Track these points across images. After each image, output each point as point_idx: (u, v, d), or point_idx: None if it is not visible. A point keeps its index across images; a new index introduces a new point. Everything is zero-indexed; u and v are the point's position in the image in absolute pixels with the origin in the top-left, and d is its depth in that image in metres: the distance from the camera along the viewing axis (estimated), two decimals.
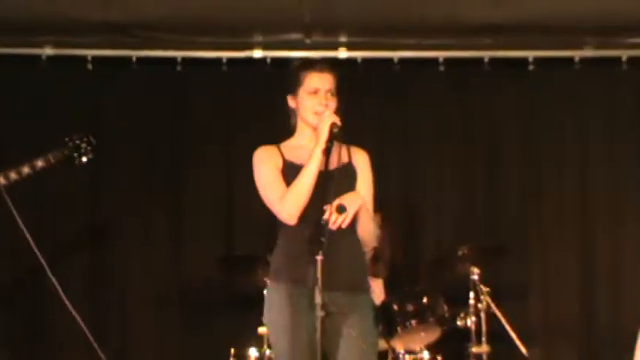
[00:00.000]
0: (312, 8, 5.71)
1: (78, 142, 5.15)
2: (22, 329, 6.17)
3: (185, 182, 6.42)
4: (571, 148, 6.53)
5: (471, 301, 5.45)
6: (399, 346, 5.30)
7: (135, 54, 6.33)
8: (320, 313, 3.40)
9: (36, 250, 4.80)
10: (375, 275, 5.63)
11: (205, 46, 6.33)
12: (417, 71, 6.50)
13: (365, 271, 3.88)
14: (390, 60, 6.43)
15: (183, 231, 6.40)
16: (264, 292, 4.00)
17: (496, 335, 5.46)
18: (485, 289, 5.44)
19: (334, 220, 3.52)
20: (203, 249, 6.28)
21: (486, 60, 6.42)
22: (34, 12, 5.71)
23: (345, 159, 3.75)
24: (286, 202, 3.64)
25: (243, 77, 6.43)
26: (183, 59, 6.38)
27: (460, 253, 5.51)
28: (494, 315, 5.40)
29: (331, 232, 3.48)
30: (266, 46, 6.37)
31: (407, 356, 5.29)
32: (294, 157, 3.74)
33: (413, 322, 5.24)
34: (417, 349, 5.32)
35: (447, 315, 5.32)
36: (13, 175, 4.92)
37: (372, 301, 3.87)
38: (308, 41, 6.24)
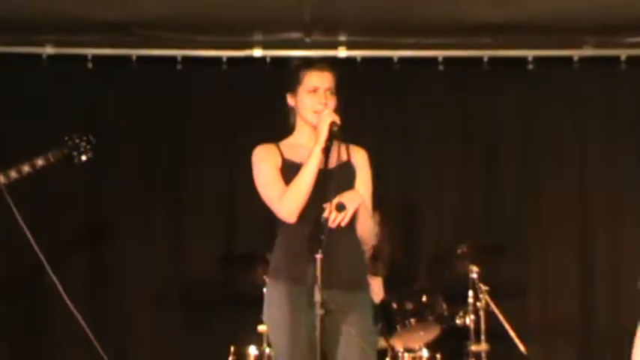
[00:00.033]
0: (312, 7, 5.71)
1: (77, 140, 5.15)
2: (21, 325, 6.18)
3: (185, 181, 6.43)
4: (570, 148, 6.54)
5: (470, 300, 5.46)
6: (399, 345, 5.32)
7: (135, 53, 6.33)
8: (319, 312, 3.40)
9: (36, 249, 4.80)
10: (375, 274, 5.63)
11: (205, 44, 6.33)
12: (416, 70, 6.50)
13: (364, 270, 3.89)
14: (389, 59, 6.43)
15: (184, 229, 6.41)
16: (264, 290, 4.00)
17: (495, 333, 5.48)
18: (484, 287, 5.45)
19: (334, 218, 3.52)
20: (203, 247, 6.28)
21: (485, 59, 6.43)
22: (35, 11, 5.71)
23: (343, 157, 3.76)
24: (285, 201, 3.64)
25: (243, 76, 6.44)
26: (184, 58, 6.38)
27: (459, 251, 5.53)
28: (493, 313, 5.42)
29: (331, 230, 3.48)
30: (266, 45, 6.37)
31: (406, 354, 5.30)
32: (293, 156, 3.74)
33: (412, 320, 5.26)
34: (416, 347, 5.34)
35: (446, 313, 5.34)
36: (13, 174, 4.92)
37: (371, 300, 3.88)
38: (308, 40, 6.24)
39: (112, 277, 6.35)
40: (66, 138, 5.13)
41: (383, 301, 5.40)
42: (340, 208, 3.54)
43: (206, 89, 6.48)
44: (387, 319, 5.24)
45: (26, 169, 4.94)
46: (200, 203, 6.38)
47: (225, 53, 6.41)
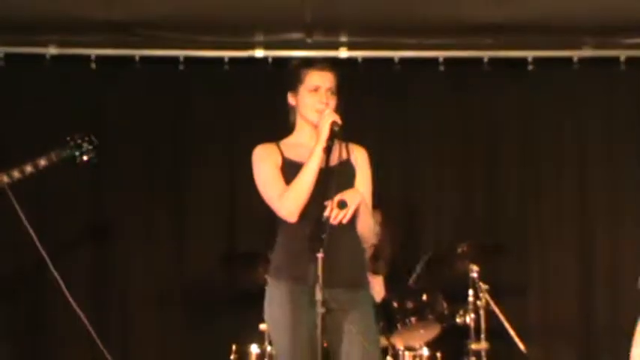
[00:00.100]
0: (314, 8, 5.72)
1: (79, 141, 5.16)
2: (23, 323, 6.19)
3: (187, 181, 6.44)
4: (570, 148, 6.54)
5: (470, 299, 5.47)
6: (399, 343, 5.32)
7: (138, 53, 6.34)
8: (320, 310, 3.42)
9: (40, 248, 4.82)
10: (376, 272, 5.65)
11: (207, 45, 6.34)
12: (417, 71, 6.51)
13: (364, 268, 3.90)
14: (390, 60, 6.44)
15: (186, 230, 6.42)
16: (265, 288, 4.02)
17: (495, 332, 5.49)
18: (484, 286, 5.46)
19: (335, 215, 3.53)
20: (205, 248, 6.29)
21: (486, 60, 6.44)
22: (38, 11, 5.72)
23: (344, 156, 3.76)
24: (286, 200, 3.66)
25: (244, 76, 6.45)
26: (186, 58, 6.39)
27: (459, 250, 5.53)
28: (493, 312, 5.42)
29: (332, 228, 3.48)
30: (267, 46, 6.38)
31: (406, 353, 5.30)
32: (293, 155, 3.76)
33: (412, 319, 5.27)
34: (417, 345, 5.34)
35: (446, 312, 5.35)
36: (16, 174, 4.93)
37: (371, 298, 3.90)
38: (309, 41, 6.25)
39: (114, 276, 6.36)
40: (68, 138, 5.15)
41: (384, 300, 5.42)
42: (342, 205, 3.55)
43: (208, 89, 6.49)
44: (388, 318, 5.26)
45: (29, 169, 4.96)
46: (202, 203, 6.39)
47: (227, 54, 6.42)
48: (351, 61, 6.42)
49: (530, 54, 6.45)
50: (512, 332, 5.39)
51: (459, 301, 5.47)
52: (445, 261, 5.74)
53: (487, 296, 5.44)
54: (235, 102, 6.48)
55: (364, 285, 3.81)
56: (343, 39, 6.34)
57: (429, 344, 5.37)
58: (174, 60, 6.40)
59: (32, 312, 6.22)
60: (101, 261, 6.37)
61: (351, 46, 6.41)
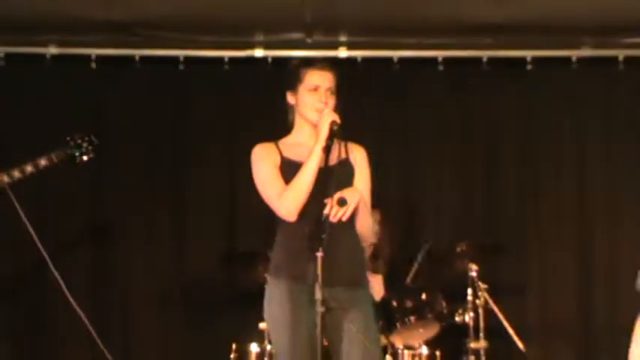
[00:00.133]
0: (313, 8, 5.73)
1: (79, 141, 5.16)
2: (24, 323, 6.19)
3: (187, 181, 6.44)
4: (569, 148, 6.55)
5: (469, 298, 5.48)
6: (398, 342, 5.32)
7: (138, 53, 6.35)
8: (320, 309, 3.42)
9: (40, 248, 4.83)
10: (375, 271, 5.66)
11: (207, 45, 6.35)
12: (416, 71, 6.52)
13: (364, 267, 3.91)
14: (389, 59, 6.45)
15: (186, 229, 6.43)
16: (265, 287, 4.03)
17: (494, 331, 5.49)
18: (483, 285, 5.47)
19: (335, 212, 3.54)
20: (206, 247, 6.30)
21: (485, 60, 6.45)
22: (39, 11, 5.73)
23: (342, 155, 3.76)
24: (285, 200, 3.66)
25: (244, 76, 6.46)
26: (186, 58, 6.40)
27: (458, 249, 5.54)
28: (492, 311, 5.44)
29: (331, 227, 3.49)
30: (267, 46, 6.39)
31: (406, 352, 5.31)
32: (292, 155, 3.76)
33: (412, 318, 5.28)
34: (416, 344, 5.34)
35: (445, 311, 5.36)
36: (16, 174, 4.93)
37: (371, 296, 3.90)
38: (309, 41, 6.26)
39: (114, 276, 6.37)
40: (68, 138, 5.16)
41: (383, 299, 5.43)
42: (342, 202, 3.55)
43: (208, 89, 6.50)
44: (387, 317, 5.26)
45: (29, 169, 4.96)
46: (202, 203, 6.40)
47: (227, 53, 6.42)
48: (350, 60, 6.43)
49: (529, 54, 6.45)
50: (511, 331, 5.40)
51: (458, 300, 5.48)
52: (444, 260, 5.75)
53: (486, 295, 5.45)
54: (235, 102, 6.49)
55: (364, 284, 3.81)
56: (343, 39, 6.35)
57: (428, 343, 5.37)
58: (175, 60, 6.41)
59: (32, 312, 6.23)
60: (101, 261, 6.38)
61: (350, 46, 6.42)
